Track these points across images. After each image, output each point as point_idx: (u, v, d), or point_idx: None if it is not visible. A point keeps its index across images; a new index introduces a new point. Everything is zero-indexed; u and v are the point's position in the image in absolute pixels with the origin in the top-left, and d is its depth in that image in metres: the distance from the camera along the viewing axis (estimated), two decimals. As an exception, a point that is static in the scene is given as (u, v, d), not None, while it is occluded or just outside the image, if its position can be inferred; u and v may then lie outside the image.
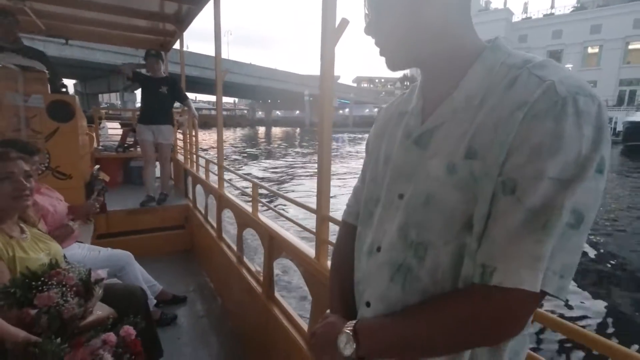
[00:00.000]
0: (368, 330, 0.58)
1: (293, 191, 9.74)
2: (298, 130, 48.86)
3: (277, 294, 1.83)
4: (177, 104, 4.42)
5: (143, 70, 4.01)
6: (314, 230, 1.44)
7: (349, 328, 0.59)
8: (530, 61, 0.51)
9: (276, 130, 48.31)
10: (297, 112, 66.25)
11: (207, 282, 3.07)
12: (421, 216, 0.55)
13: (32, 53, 3.36)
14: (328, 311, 0.74)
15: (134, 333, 0.97)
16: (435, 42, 0.57)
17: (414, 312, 0.55)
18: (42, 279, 1.19)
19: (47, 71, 3.21)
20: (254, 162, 15.77)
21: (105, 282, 1.57)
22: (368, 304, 0.62)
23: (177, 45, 4.74)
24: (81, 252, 2.13)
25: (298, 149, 22.83)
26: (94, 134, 5.04)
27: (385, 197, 0.64)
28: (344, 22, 1.35)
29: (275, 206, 2.25)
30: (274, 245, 1.79)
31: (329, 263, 1.38)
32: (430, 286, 0.54)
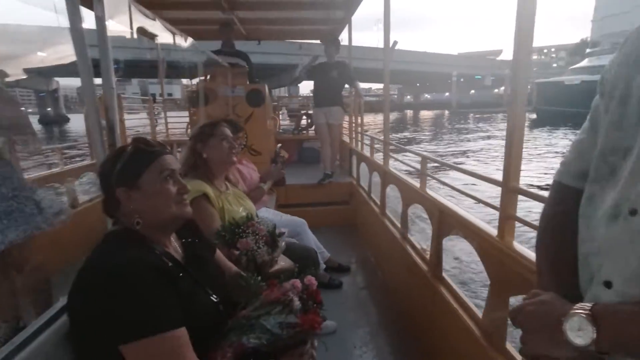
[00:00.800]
0: (615, 317, 0.43)
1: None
2: (447, 112, 45.34)
3: (445, 274, 1.71)
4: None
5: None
6: (498, 205, 1.26)
7: (583, 311, 0.45)
8: None
9: (425, 113, 46.21)
10: (447, 94, 61.34)
11: (369, 256, 3.18)
12: None
13: (239, 54, 4.10)
14: (533, 291, 0.61)
15: (315, 283, 1.05)
16: None
17: None
18: (241, 227, 1.43)
19: (247, 66, 3.88)
20: (407, 145, 15.39)
21: (285, 238, 1.81)
22: (608, 284, 0.47)
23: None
24: (267, 215, 2.50)
25: (445, 130, 21.26)
26: (277, 119, 5.87)
27: None
28: None
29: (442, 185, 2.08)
30: (444, 221, 1.67)
31: (514, 243, 1.19)
32: None
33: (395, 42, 3.15)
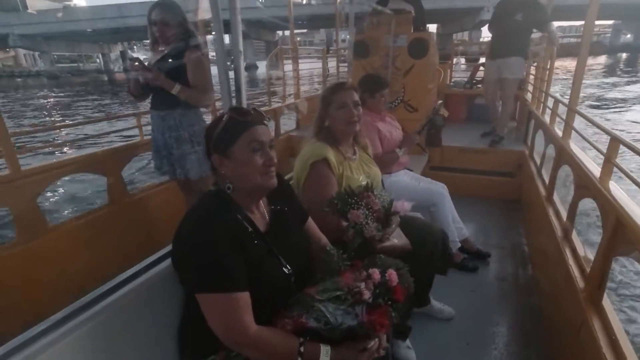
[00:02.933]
0: None
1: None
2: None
3: (606, 301, 1.28)
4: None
5: None
6: None
7: None
8: None
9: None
10: None
11: (523, 243, 2.68)
12: None
13: None
14: None
15: (395, 280, 0.96)
16: None
17: None
18: (356, 198, 1.40)
19: (412, 11, 3.53)
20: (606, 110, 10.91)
21: (408, 213, 1.68)
22: None
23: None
24: (405, 178, 2.38)
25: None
26: (445, 71, 5.25)
27: None
28: None
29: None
30: (621, 235, 1.20)
31: None
32: None
33: None
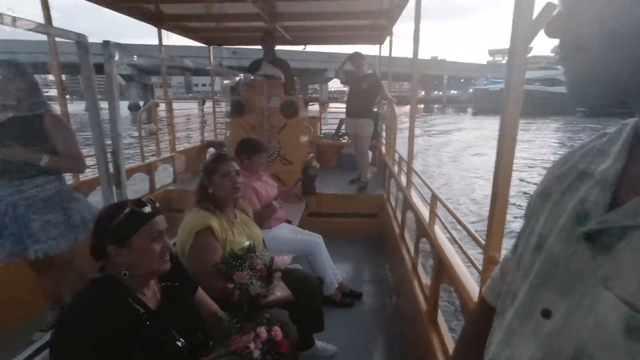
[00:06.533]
0: None
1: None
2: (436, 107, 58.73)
3: (441, 320, 1.67)
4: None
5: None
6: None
7: None
8: None
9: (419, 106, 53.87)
10: (454, 91, 70.92)
11: (388, 276, 3.15)
12: None
13: (280, 63, 4.24)
14: None
15: (280, 335, 1.11)
16: None
17: None
18: (239, 261, 1.52)
19: (283, 78, 3.99)
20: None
21: (289, 266, 1.88)
22: None
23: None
24: (284, 232, 2.59)
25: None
26: (315, 124, 5.91)
27: (522, 302, 0.44)
28: (549, 8, 1.00)
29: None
30: (442, 267, 1.63)
31: None
32: None
33: None
